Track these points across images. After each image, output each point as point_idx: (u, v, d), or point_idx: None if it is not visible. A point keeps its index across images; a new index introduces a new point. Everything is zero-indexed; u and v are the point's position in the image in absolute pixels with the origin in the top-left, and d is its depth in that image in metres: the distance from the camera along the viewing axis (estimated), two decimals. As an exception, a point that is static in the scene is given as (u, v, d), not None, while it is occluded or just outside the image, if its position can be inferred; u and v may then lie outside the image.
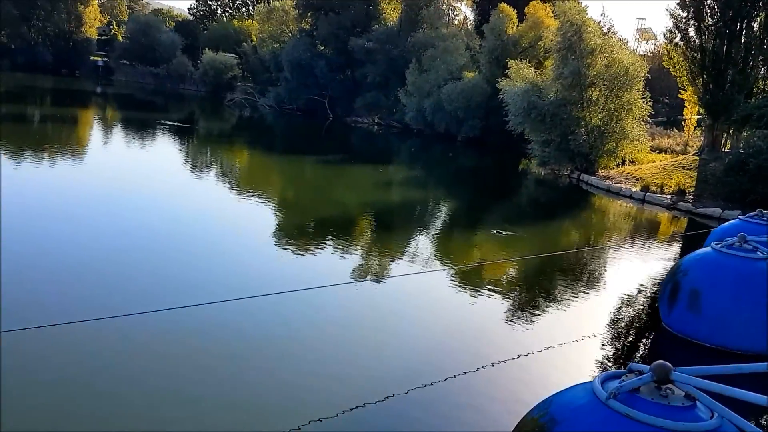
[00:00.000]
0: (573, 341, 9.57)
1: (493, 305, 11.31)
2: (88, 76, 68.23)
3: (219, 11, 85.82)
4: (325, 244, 14.56)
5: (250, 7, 79.96)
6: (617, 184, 25.59)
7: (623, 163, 28.99)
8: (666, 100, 51.92)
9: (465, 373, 8.06)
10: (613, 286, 13.29)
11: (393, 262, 13.50)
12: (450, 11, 53.99)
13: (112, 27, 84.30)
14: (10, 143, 24.03)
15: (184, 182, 21.03)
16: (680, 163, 26.94)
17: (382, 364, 8.33)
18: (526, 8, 40.29)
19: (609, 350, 9.53)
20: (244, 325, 8.99)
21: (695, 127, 36.28)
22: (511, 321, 10.49)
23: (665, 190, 23.79)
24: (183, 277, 10.94)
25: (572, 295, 12.21)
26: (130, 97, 56.62)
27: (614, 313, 11.30)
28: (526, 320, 10.53)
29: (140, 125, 35.91)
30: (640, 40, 62.29)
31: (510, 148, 35.67)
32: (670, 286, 9.78)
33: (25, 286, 9.64)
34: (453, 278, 12.54)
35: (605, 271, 14.70)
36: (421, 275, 12.15)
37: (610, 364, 9.06)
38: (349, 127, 46.37)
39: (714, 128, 28.22)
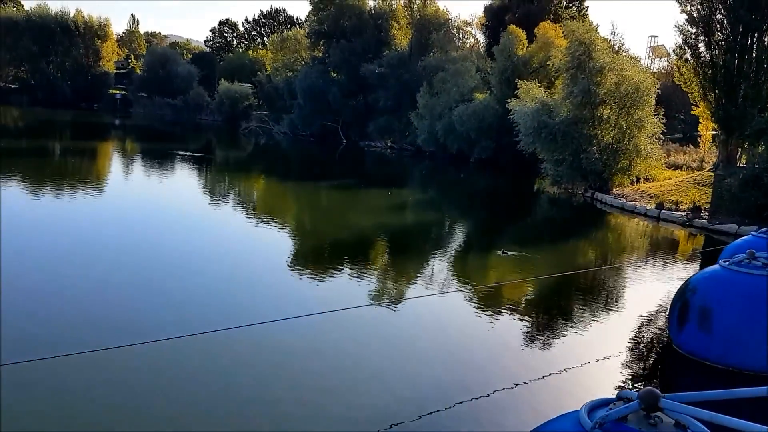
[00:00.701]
0: (588, 362, 9.43)
1: (509, 326, 11.27)
2: (107, 109, 69.48)
3: (235, 42, 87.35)
4: (342, 267, 14.72)
5: (265, 38, 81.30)
6: (631, 202, 25.30)
7: (638, 180, 28.71)
8: (682, 117, 51.45)
9: (488, 394, 8.16)
10: (627, 305, 13.08)
11: (409, 284, 13.72)
12: (461, 35, 54.41)
13: (130, 60, 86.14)
14: (31, 177, 24.48)
15: (204, 211, 21.37)
16: (695, 180, 26.60)
17: (406, 385, 8.46)
18: (535, 29, 40.42)
19: (620, 372, 9.33)
20: (272, 347, 9.31)
21: (711, 143, 35.86)
22: (528, 342, 10.44)
23: (680, 207, 23.46)
24: (211, 302, 11.23)
25: (587, 315, 12.09)
26: (148, 129, 57.49)
27: (628, 333, 11.08)
28: (542, 341, 10.48)
29: (159, 156, 36.25)
30: (653, 57, 61.99)
31: (524, 168, 35.44)
32: (678, 305, 9.56)
33: (76, 313, 10.12)
34: (468, 299, 12.60)
35: (619, 290, 14.47)
36: (437, 297, 12.35)
37: (621, 385, 8.86)
38: (362, 152, 46.58)
39: (728, 143, 27.86)
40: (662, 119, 27.97)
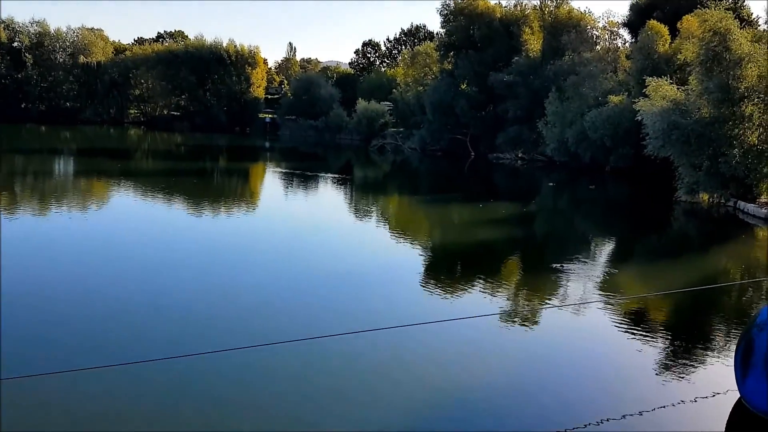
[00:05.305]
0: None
1: (636, 345, 10.45)
2: (258, 133, 73.47)
3: (377, 62, 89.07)
4: (462, 278, 14.95)
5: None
6: (780, 212, 21.51)
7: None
8: None
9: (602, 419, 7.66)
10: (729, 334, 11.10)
11: (529, 296, 13.50)
12: (603, 35, 50.64)
13: (284, 86, 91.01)
14: (192, 196, 26.18)
15: (341, 225, 22.05)
16: None
17: (536, 401, 8.33)
18: (678, 23, 36.47)
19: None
20: (401, 350, 9.67)
21: None
22: (655, 364, 9.61)
23: (842, 217, 19.48)
24: (344, 308, 11.94)
25: (718, 337, 11.06)
26: (294, 150, 59.56)
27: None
28: (669, 365, 9.63)
29: (303, 177, 36.94)
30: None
31: (666, 176, 31.64)
32: (742, 345, 7.43)
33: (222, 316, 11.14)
34: (592, 314, 12.08)
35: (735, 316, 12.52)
36: (556, 310, 12.20)
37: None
38: (491, 165, 44.83)
39: None
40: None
